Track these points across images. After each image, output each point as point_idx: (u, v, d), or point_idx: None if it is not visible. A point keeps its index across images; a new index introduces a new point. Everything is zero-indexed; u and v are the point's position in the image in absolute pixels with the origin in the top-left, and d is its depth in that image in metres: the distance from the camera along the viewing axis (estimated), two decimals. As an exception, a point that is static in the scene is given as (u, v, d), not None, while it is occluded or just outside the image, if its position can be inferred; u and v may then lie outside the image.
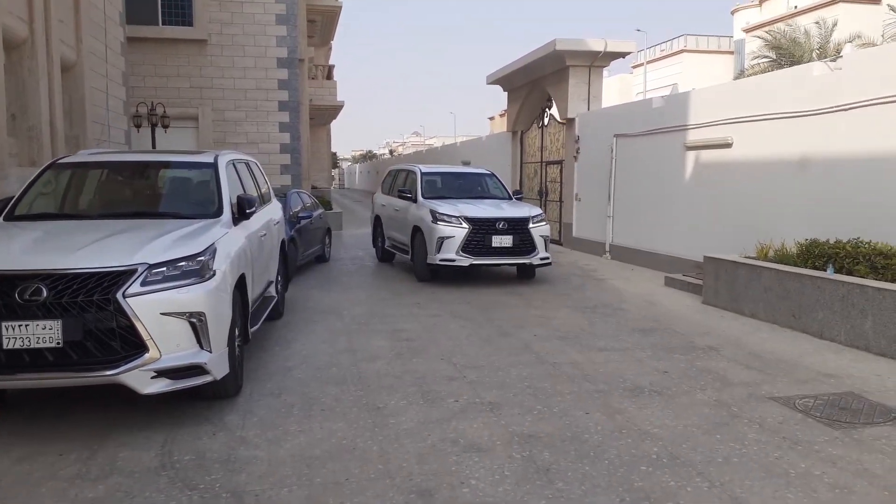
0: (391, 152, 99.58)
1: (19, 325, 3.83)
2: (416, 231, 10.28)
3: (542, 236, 10.03)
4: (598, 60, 14.64)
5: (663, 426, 4.43)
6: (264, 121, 19.16)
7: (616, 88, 51.68)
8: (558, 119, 15.52)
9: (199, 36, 18.17)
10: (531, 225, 9.90)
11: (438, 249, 9.63)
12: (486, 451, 4.01)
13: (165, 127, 15.27)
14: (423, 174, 11.29)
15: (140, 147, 15.12)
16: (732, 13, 55.73)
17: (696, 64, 54.04)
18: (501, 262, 10.06)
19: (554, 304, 8.54)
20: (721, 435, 4.29)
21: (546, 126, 16.46)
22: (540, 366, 5.78)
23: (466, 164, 21.25)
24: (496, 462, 3.86)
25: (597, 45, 14.24)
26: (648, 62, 54.27)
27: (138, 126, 14.55)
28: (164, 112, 15.11)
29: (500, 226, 9.71)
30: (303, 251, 10.95)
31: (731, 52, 54.68)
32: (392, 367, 5.72)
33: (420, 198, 10.59)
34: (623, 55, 15.14)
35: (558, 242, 15.50)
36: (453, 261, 9.62)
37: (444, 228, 9.63)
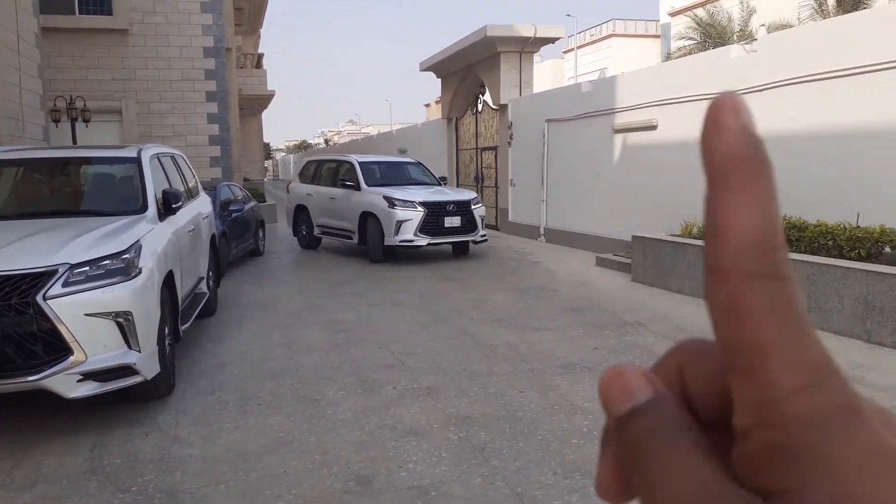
0: (326, 142, 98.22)
1: (-69, 333, 3.67)
2: (367, 216, 10.91)
3: (480, 216, 11.17)
4: (529, 46, 14.82)
5: (593, 400, 4.59)
6: (191, 112, 18.61)
7: (548, 74, 52.37)
8: (492, 105, 15.66)
9: (120, 25, 17.47)
10: (473, 206, 11.01)
11: (397, 231, 10.43)
12: (423, 434, 4.08)
13: (86, 121, 14.66)
14: (360, 164, 11.74)
15: (60, 143, 14.46)
16: (658, -3, 57.09)
17: (625, 48, 55.21)
18: (451, 240, 11.08)
19: (490, 288, 8.68)
20: (648, 406, 4.48)
21: (480, 112, 16.58)
22: (476, 349, 5.89)
23: (403, 152, 21.24)
24: (433, 445, 3.93)
25: (527, 31, 14.41)
26: (579, 47, 55.14)
27: (56, 121, 13.90)
28: (85, 105, 14.51)
29: (451, 208, 10.72)
30: (235, 245, 10.74)
31: (658, 36, 56.14)
32: (330, 357, 5.72)
33: (364, 185, 11.21)
34: (553, 40, 15.37)
35: (495, 227, 15.69)
36: (412, 241, 10.50)
37: (401, 212, 10.43)
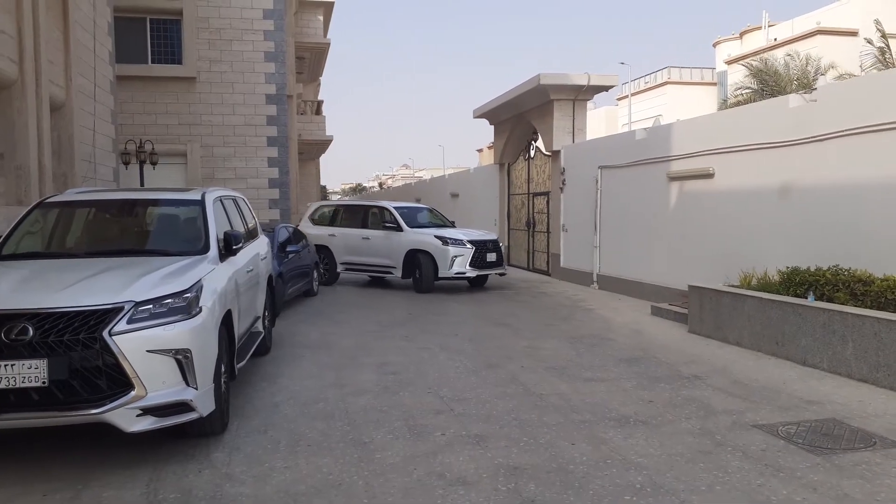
0: (381, 185, 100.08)
1: (5, 365, 3.84)
2: (416, 253, 12.88)
3: (503, 253, 13.76)
4: (582, 94, 14.93)
5: (647, 455, 4.46)
6: (253, 156, 19.31)
7: (602, 120, 52.43)
8: (544, 151, 15.75)
9: (188, 74, 18.40)
10: (501, 244, 13.58)
11: (451, 265, 12.56)
12: (471, 484, 4.02)
13: (154, 163, 15.37)
14: (397, 209, 13.83)
15: (128, 184, 15.19)
16: (714, 45, 56.84)
17: (680, 95, 54.95)
18: (490, 272, 13.23)
19: (542, 335, 8.59)
20: (704, 463, 4.32)
21: (532, 158, 16.69)
22: (527, 397, 5.81)
23: (418, 200, 22.05)
24: (482, 495, 3.87)
25: (580, 80, 14.54)
26: (633, 94, 55.17)
27: (127, 163, 14.62)
28: (153, 149, 15.23)
29: (490, 245, 13.12)
30: (290, 285, 10.98)
31: (714, 84, 55.72)
32: (379, 400, 5.73)
33: (405, 227, 13.26)
34: (606, 88, 15.45)
35: (546, 273, 15.60)
36: (464, 273, 12.72)
37: (453, 249, 12.60)
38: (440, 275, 12.60)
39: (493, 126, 19.13)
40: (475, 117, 19.31)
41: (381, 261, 13.52)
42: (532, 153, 16.71)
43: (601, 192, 13.04)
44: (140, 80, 17.75)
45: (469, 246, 12.69)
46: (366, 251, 13.76)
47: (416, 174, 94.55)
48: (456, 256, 12.56)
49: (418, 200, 28.92)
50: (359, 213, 14.79)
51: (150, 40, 18.28)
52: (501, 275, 13.59)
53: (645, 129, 12.30)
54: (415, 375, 6.57)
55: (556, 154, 14.92)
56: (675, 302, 9.90)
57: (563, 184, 14.65)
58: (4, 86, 8.79)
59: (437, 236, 12.71)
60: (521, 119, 16.74)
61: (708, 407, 5.52)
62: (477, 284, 13.65)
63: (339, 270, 14.34)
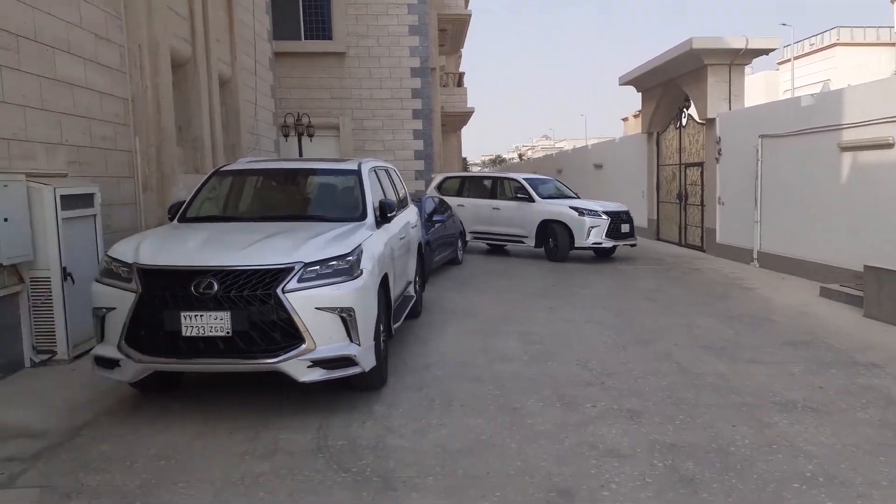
0: (520, 156, 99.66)
1: (196, 315, 4.27)
2: (549, 223, 13.11)
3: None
4: (739, 58, 13.88)
5: (819, 444, 4.16)
6: (399, 129, 19.87)
7: (760, 86, 48.61)
8: (697, 119, 14.88)
9: (338, 49, 19.17)
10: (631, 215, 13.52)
11: (588, 236, 12.68)
12: (626, 457, 3.96)
13: (311, 136, 16.23)
14: (528, 181, 14.08)
15: (287, 155, 16.19)
16: (893, 1, 50.68)
17: (851, 58, 49.63)
18: (622, 244, 13.30)
19: (695, 312, 8.21)
20: (886, 457, 3.96)
21: (684, 127, 15.82)
22: (681, 375, 5.60)
23: (559, 171, 21.70)
24: (637, 469, 3.80)
25: (737, 43, 13.52)
26: (796, 58, 50.61)
27: (286, 135, 15.56)
28: (310, 122, 16.07)
29: (623, 216, 13.20)
30: (437, 254, 11.25)
31: (893, 44, 49.77)
32: (527, 368, 5.77)
33: (537, 198, 13.52)
34: (766, 52, 14.25)
35: (700, 248, 14.85)
36: (600, 243, 12.81)
37: (589, 220, 12.72)
38: (576, 244, 12.83)
39: (640, 93, 18.33)
40: (621, 84, 18.58)
41: (512, 230, 13.78)
42: (684, 121, 15.83)
43: (762, 163, 12.12)
44: (294, 55, 18.73)
45: (605, 217, 12.82)
46: (496, 221, 14.02)
47: (557, 145, 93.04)
48: (592, 227, 12.72)
49: (559, 172, 28.50)
50: (486, 183, 15.07)
51: (303, 17, 19.20)
52: (633, 245, 13.66)
53: (812, 94, 11.24)
54: (561, 346, 6.53)
55: (710, 122, 14.04)
56: (847, 283, 9.06)
57: (719, 154, 13.77)
58: (179, 64, 9.58)
59: (572, 207, 12.93)
60: (672, 85, 15.89)
61: (889, 398, 5.04)
62: (603, 255, 13.66)
63: (467, 239, 14.53)
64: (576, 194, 14.63)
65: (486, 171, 17.84)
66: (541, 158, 39.89)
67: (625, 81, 18.25)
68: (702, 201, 14.81)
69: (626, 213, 13.36)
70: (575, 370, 5.73)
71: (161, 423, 4.50)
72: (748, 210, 12.54)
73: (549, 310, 8.33)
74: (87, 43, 6.87)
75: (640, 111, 19.32)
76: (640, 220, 18.31)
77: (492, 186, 14.73)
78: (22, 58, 5.79)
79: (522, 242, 13.66)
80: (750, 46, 13.44)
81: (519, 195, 13.82)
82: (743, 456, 3.98)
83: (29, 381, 5.45)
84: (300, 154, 16.00)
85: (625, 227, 13.07)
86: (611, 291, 9.61)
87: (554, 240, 13.07)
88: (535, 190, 13.72)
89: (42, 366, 5.83)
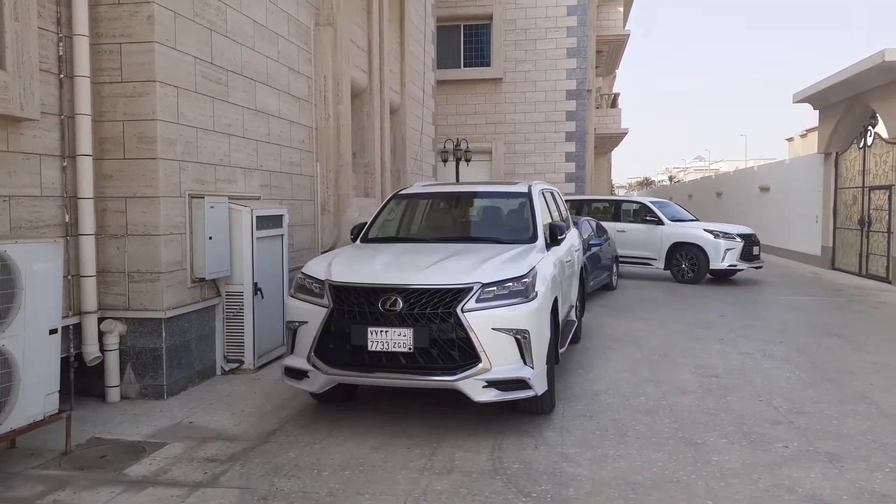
0: (671, 178, 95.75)
1: (381, 331, 4.48)
2: (681, 245, 13.43)
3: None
4: (943, 68, 12.46)
5: None
6: (552, 151, 19.87)
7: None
8: (886, 138, 13.52)
9: (495, 75, 19.57)
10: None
11: (724, 258, 12.89)
12: (830, 504, 3.62)
13: (468, 161, 16.64)
14: (654, 203, 14.47)
15: (444, 179, 16.70)
16: None
17: None
18: (754, 266, 13.41)
19: (889, 350, 7.39)
20: None
21: (869, 146, 14.43)
22: (883, 418, 5.05)
23: (719, 195, 19.63)
24: (846, 519, 3.46)
25: (941, 51, 12.14)
26: None
27: (445, 160, 16.07)
28: (468, 147, 16.49)
29: (754, 239, 13.37)
30: (592, 278, 11.03)
31: None
32: (704, 402, 5.46)
33: (666, 220, 13.85)
34: (978, 59, 12.67)
35: (885, 279, 13.42)
36: (736, 266, 13.01)
37: (724, 242, 12.96)
38: (711, 267, 12.99)
39: (817, 111, 16.98)
40: (795, 102, 17.33)
41: (639, 252, 14.03)
42: (869, 140, 14.44)
43: (969, 185, 10.76)
44: (454, 83, 19.37)
45: (739, 240, 13.05)
46: (622, 243, 14.10)
47: (712, 166, 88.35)
48: (728, 249, 12.94)
49: (719, 195, 27.06)
50: (606, 206, 15.33)
51: (463, 45, 19.82)
52: (759, 268, 13.78)
53: None
54: (739, 381, 6.13)
55: (903, 141, 12.70)
56: None
57: (913, 175, 12.41)
58: (356, 93, 10.22)
59: (706, 230, 13.23)
60: (857, 102, 14.57)
61: None
62: (722, 277, 13.75)
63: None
64: (695, 217, 14.98)
65: (599, 195, 18.01)
66: (697, 181, 38.02)
67: (800, 98, 17.01)
68: (889, 228, 13.39)
69: (755, 235, 13.68)
70: (758, 407, 5.35)
71: (340, 433, 4.73)
72: (952, 238, 11.15)
73: (720, 342, 7.86)
74: (282, 76, 7.53)
75: (808, 130, 17.90)
76: (814, 247, 16.88)
77: (614, 209, 14.97)
78: (230, 90, 6.45)
79: (650, 264, 13.91)
80: (955, 55, 12.04)
81: (647, 218, 14.08)
82: (974, 517, 3.50)
83: (221, 387, 5.94)
84: (457, 178, 16.44)
85: (755, 250, 13.33)
86: (787, 325, 8.90)
87: (688, 262, 13.32)
88: (661, 211, 14.08)
89: (230, 374, 6.35)
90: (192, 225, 5.85)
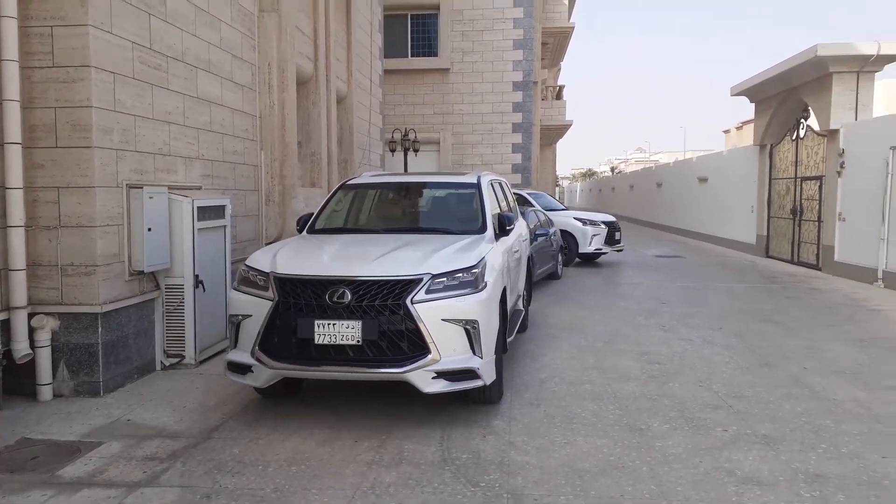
0: (612, 170, 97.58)
1: (329, 324, 4.41)
2: (564, 233, 14.03)
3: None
4: (869, 65, 13.04)
5: None
6: (498, 143, 19.97)
7: (879, 96, 45.47)
8: (817, 131, 14.09)
9: (443, 65, 19.52)
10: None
11: (590, 243, 14.26)
12: (768, 485, 3.75)
13: (416, 151, 16.56)
14: (531, 195, 14.67)
15: (392, 169, 16.58)
16: None
17: None
18: (614, 249, 14.81)
19: (821, 335, 7.72)
20: None
21: (802, 138, 15.02)
22: (816, 401, 5.27)
23: (659, 185, 20.20)
24: (782, 498, 3.59)
25: (868, 49, 12.70)
26: (923, 63, 47.01)
27: (393, 150, 15.96)
28: (416, 137, 16.41)
29: (615, 225, 14.84)
30: (539, 267, 11.15)
31: None
32: (647, 389, 5.59)
33: (541, 210, 14.05)
34: (901, 57, 13.31)
35: (815, 266, 14.02)
36: (601, 249, 14.47)
37: (591, 228, 14.35)
38: (580, 251, 14.28)
39: (753, 104, 17.56)
40: (733, 95, 17.87)
41: None
42: (802, 133, 15.03)
43: (892, 177, 11.32)
44: (401, 73, 19.24)
45: (603, 226, 14.43)
46: None
47: (652, 158, 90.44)
48: (594, 235, 14.30)
49: (659, 185, 27.76)
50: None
51: (410, 35, 19.69)
52: (619, 251, 15.20)
53: (958, 101, 10.39)
54: (680, 367, 6.30)
55: (833, 133, 13.26)
56: None
57: (842, 167, 12.98)
58: (302, 81, 10.02)
59: (576, 218, 14.40)
60: (791, 95, 15.13)
61: None
62: (588, 260, 15.14)
63: None
64: (565, 206, 15.97)
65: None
66: (638, 172, 38.90)
67: (738, 91, 17.56)
68: (819, 217, 13.99)
69: (617, 223, 15.14)
70: (699, 392, 5.51)
71: (285, 428, 4.64)
72: (873, 226, 11.73)
73: (661, 329, 8.07)
74: (225, 63, 7.31)
75: (743, 123, 18.52)
76: (749, 236, 17.49)
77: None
78: (170, 77, 6.23)
79: None
80: (882, 52, 12.62)
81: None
82: (899, 492, 3.69)
83: (161, 383, 5.75)
84: (405, 168, 16.35)
85: (617, 235, 14.76)
86: (726, 312, 9.20)
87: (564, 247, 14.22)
88: (536, 202, 14.59)
89: (171, 369, 6.16)
90: (130, 216, 5.64)
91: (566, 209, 15.54)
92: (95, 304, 5.27)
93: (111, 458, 4.14)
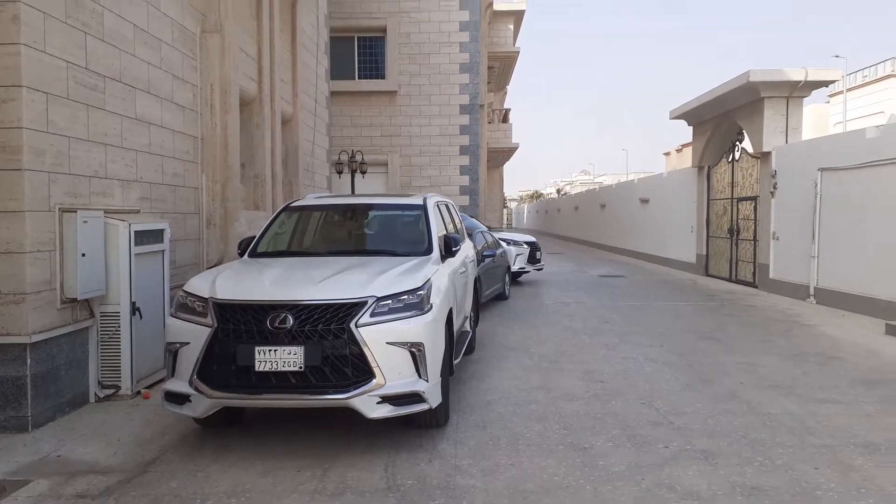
0: (558, 191, 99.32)
1: (270, 350, 4.32)
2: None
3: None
4: (798, 90, 13.69)
5: (912, 491, 3.96)
6: (446, 164, 20.09)
7: (810, 120, 47.77)
8: (751, 153, 14.68)
9: (390, 87, 19.59)
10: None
11: (514, 262, 14.49)
12: (707, 499, 3.84)
13: (363, 172, 16.51)
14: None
15: (339, 191, 16.48)
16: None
17: (907, 89, 48.45)
18: (535, 269, 15.52)
19: (757, 351, 7.98)
20: None
21: (737, 160, 15.62)
22: (753, 416, 5.42)
23: (603, 206, 20.73)
24: (720, 513, 3.67)
25: (796, 75, 13.35)
26: (849, 90, 49.69)
27: (340, 172, 15.87)
28: (363, 159, 16.36)
29: (536, 245, 15.61)
30: (486, 288, 11.22)
31: (951, 74, 48.47)
32: (591, 407, 5.66)
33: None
34: (826, 84, 14.03)
35: (752, 284, 14.51)
36: (524, 268, 15.01)
37: (515, 248, 14.73)
38: (511, 269, 14.44)
39: (691, 127, 18.20)
40: (672, 118, 18.48)
41: None
42: (737, 155, 15.64)
43: (821, 197, 11.86)
44: (348, 94, 19.21)
45: (526, 246, 15.14)
46: None
47: (596, 180, 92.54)
48: (518, 254, 14.72)
49: (603, 206, 28.37)
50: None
51: (357, 57, 19.72)
52: (540, 269, 16.00)
53: (878, 126, 10.99)
54: (623, 385, 6.41)
55: (766, 156, 13.83)
56: (918, 321, 8.73)
57: (774, 188, 13.53)
58: (246, 102, 9.90)
59: (501, 238, 14.59)
60: (726, 119, 15.74)
61: (980, 443, 4.78)
62: (513, 278, 15.14)
63: None
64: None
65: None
66: (583, 193, 39.72)
67: (676, 115, 18.16)
68: (754, 236, 14.53)
69: (537, 243, 15.95)
70: (641, 409, 5.61)
71: (226, 459, 4.51)
72: (804, 245, 12.24)
73: (605, 347, 8.20)
74: (165, 83, 7.17)
75: (683, 145, 19.18)
76: (690, 255, 18.02)
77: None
78: (107, 98, 6.07)
79: None
80: (810, 78, 13.26)
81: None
82: (831, 500, 3.82)
83: (94, 415, 5.51)
84: (352, 190, 16.28)
85: (538, 255, 15.60)
86: (667, 330, 9.42)
87: None
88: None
89: (105, 400, 5.91)
90: (63, 241, 5.44)
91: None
92: (24, 333, 5.05)
93: (38, 498, 3.94)
